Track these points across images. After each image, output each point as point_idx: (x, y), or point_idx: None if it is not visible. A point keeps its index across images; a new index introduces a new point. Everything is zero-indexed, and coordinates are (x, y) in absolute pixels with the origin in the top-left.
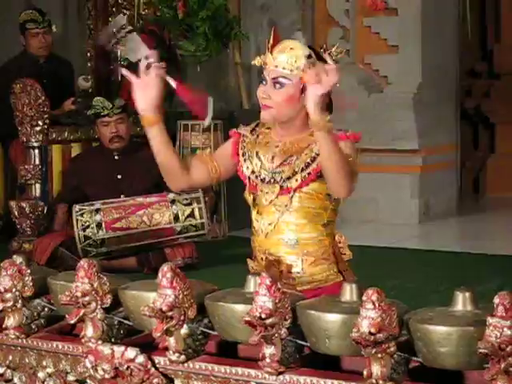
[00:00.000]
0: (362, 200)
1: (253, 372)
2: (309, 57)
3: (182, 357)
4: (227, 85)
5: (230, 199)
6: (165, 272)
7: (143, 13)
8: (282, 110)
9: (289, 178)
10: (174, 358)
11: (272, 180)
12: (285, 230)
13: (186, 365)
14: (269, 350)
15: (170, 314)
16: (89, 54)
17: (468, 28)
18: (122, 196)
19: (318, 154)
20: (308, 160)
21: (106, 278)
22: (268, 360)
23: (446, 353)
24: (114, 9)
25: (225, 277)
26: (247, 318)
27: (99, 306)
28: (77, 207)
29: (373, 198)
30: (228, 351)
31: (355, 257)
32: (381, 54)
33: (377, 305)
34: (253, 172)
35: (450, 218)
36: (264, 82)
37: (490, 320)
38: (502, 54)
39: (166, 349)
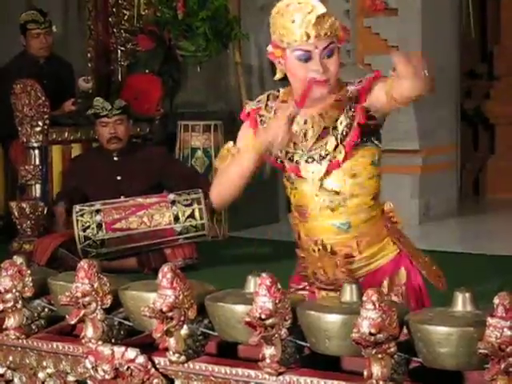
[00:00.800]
0: None
1: (253, 373)
2: None
3: (182, 357)
4: (227, 85)
5: None
6: (165, 272)
7: (143, 13)
8: (334, 79)
9: (333, 152)
10: (174, 358)
11: (310, 159)
12: (335, 213)
13: (186, 365)
14: (269, 351)
15: (170, 314)
16: (89, 55)
17: (471, 27)
18: (121, 197)
19: (353, 119)
20: (345, 128)
21: (106, 278)
22: (268, 361)
23: (446, 353)
24: (114, 9)
25: (225, 277)
26: (247, 319)
27: (99, 307)
28: (77, 208)
29: None
30: (228, 352)
31: None
32: (381, 54)
33: (377, 305)
34: (286, 154)
35: (450, 218)
36: (309, 59)
37: (490, 320)
38: (502, 55)
39: (166, 349)
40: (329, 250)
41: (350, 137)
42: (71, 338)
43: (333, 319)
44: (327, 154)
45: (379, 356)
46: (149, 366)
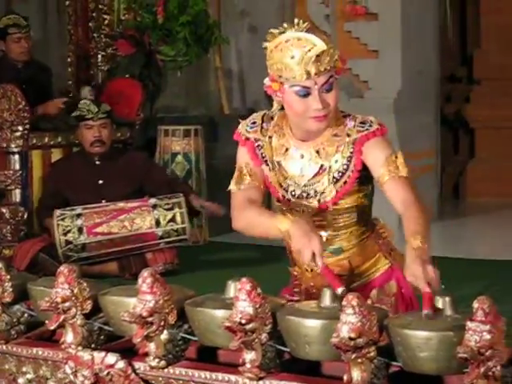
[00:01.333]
0: None
1: (233, 377)
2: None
3: (162, 362)
4: (207, 90)
5: None
6: (145, 277)
7: (123, 18)
8: (333, 113)
9: (325, 191)
10: (154, 363)
11: (304, 195)
12: (326, 242)
13: (166, 370)
14: (249, 356)
15: (150, 319)
16: (69, 60)
17: (448, 28)
18: (103, 201)
19: (349, 160)
20: (340, 169)
21: (86, 283)
22: (248, 365)
23: (426, 357)
24: (94, 14)
25: (205, 282)
26: (227, 324)
27: (79, 312)
28: (58, 212)
29: None
30: (208, 357)
31: None
32: (361, 58)
33: (357, 310)
34: (280, 185)
35: (430, 222)
36: (308, 95)
37: (469, 324)
38: (482, 59)
39: (146, 354)
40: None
41: (345, 181)
42: (51, 343)
43: (313, 324)
44: (320, 193)
45: (359, 360)
46: (129, 371)
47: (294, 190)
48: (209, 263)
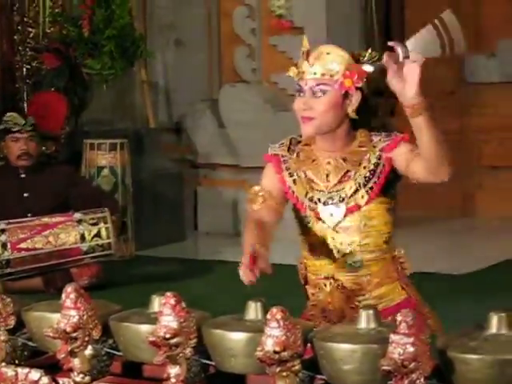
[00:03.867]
0: None
1: None
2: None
3: (87, 378)
4: (133, 103)
5: (137, 218)
6: (68, 293)
7: (49, 31)
8: (324, 120)
9: (353, 195)
10: (78, 379)
11: (330, 200)
12: (349, 252)
13: None
14: (174, 370)
15: (74, 334)
16: None
17: (376, 45)
18: (28, 215)
19: (376, 166)
20: (367, 174)
21: (9, 299)
22: (173, 380)
23: (350, 370)
24: (19, 27)
25: (131, 296)
26: (151, 338)
27: (2, 328)
28: None
29: None
30: (133, 372)
31: None
32: (287, 72)
33: (281, 323)
34: (306, 194)
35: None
36: (301, 94)
37: (392, 337)
38: None
39: (71, 370)
40: (340, 285)
41: (374, 183)
42: None
43: (237, 337)
44: (347, 197)
45: (284, 374)
46: None
47: (319, 198)
48: (135, 277)
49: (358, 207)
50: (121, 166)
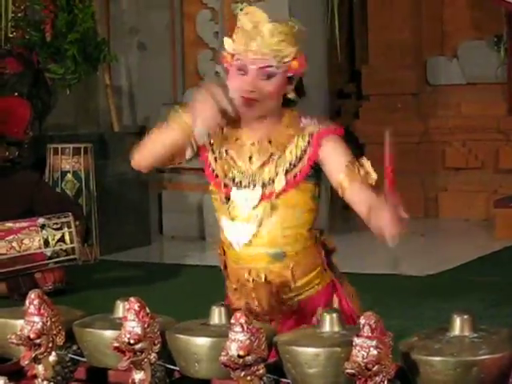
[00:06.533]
0: None
1: None
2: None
3: None
4: (97, 107)
5: (101, 223)
6: (32, 299)
7: (11, 35)
8: (267, 103)
9: (272, 181)
10: None
11: (251, 184)
12: (268, 242)
13: None
14: (138, 376)
15: (37, 341)
16: None
17: (337, 50)
18: None
19: (304, 152)
20: (293, 159)
21: None
22: None
23: (314, 374)
24: None
25: (96, 302)
26: (116, 344)
27: None
28: None
29: None
30: (98, 378)
31: None
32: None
33: (245, 327)
34: (225, 175)
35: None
36: (242, 73)
37: (356, 340)
38: (370, 75)
39: (35, 376)
40: (263, 279)
41: (298, 170)
42: None
43: (201, 342)
44: (266, 183)
45: (248, 378)
46: None
47: (240, 181)
48: (99, 282)
49: (276, 194)
50: (84, 170)
